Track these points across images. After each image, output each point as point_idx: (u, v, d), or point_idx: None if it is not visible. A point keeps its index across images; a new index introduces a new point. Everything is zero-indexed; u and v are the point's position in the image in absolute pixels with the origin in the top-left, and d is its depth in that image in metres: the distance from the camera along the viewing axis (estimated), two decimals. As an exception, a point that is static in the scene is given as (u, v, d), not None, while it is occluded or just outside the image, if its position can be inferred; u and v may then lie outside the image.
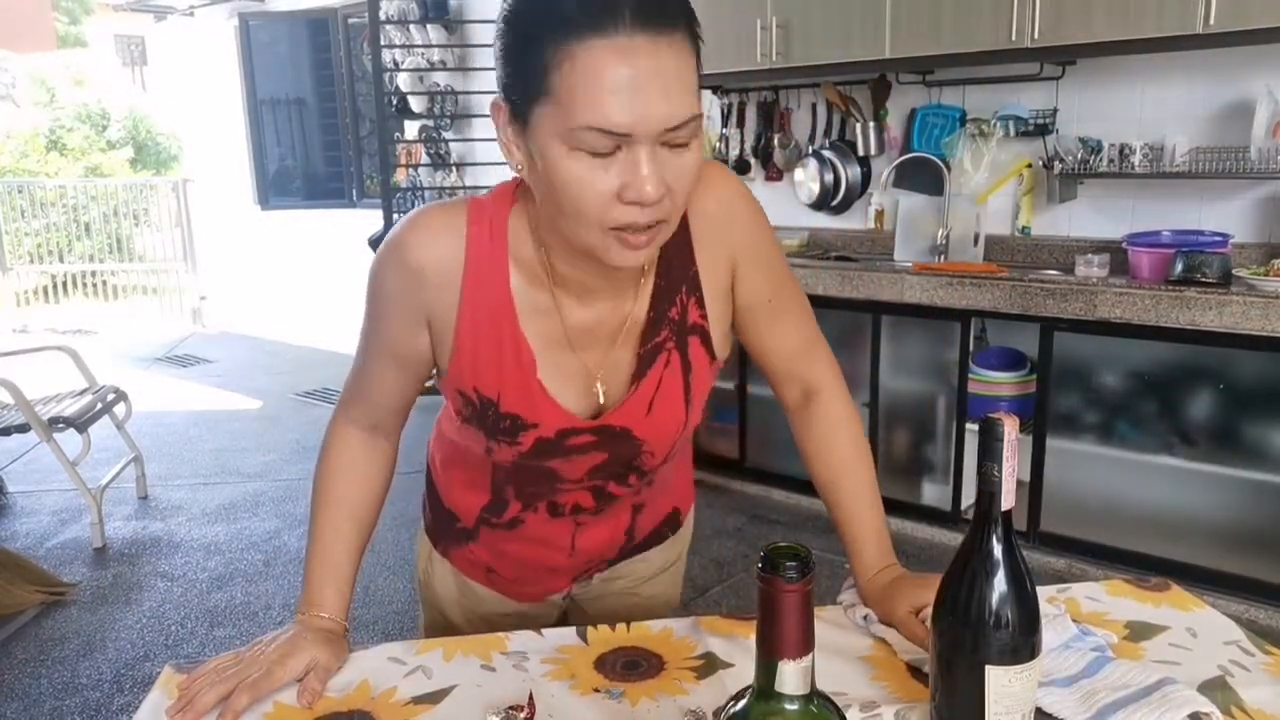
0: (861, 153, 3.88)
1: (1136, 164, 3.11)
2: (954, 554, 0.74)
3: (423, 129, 5.56)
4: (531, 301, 0.92)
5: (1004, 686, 0.70)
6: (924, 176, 3.72)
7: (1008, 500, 0.70)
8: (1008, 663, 0.70)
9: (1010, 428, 0.68)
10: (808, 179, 3.96)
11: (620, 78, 0.71)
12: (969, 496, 3.36)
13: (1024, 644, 0.71)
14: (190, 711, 0.85)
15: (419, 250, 0.90)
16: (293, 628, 0.97)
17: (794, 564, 0.55)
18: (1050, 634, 0.94)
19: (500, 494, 1.08)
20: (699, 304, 0.96)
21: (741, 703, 0.59)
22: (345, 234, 6.35)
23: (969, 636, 0.71)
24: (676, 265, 0.94)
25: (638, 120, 0.73)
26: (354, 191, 6.62)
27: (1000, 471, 0.69)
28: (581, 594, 1.22)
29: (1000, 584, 0.71)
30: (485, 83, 5.12)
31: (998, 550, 0.71)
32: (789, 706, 0.57)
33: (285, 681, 0.89)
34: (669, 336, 0.96)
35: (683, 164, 0.77)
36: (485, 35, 5.05)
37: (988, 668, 0.70)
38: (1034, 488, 3.12)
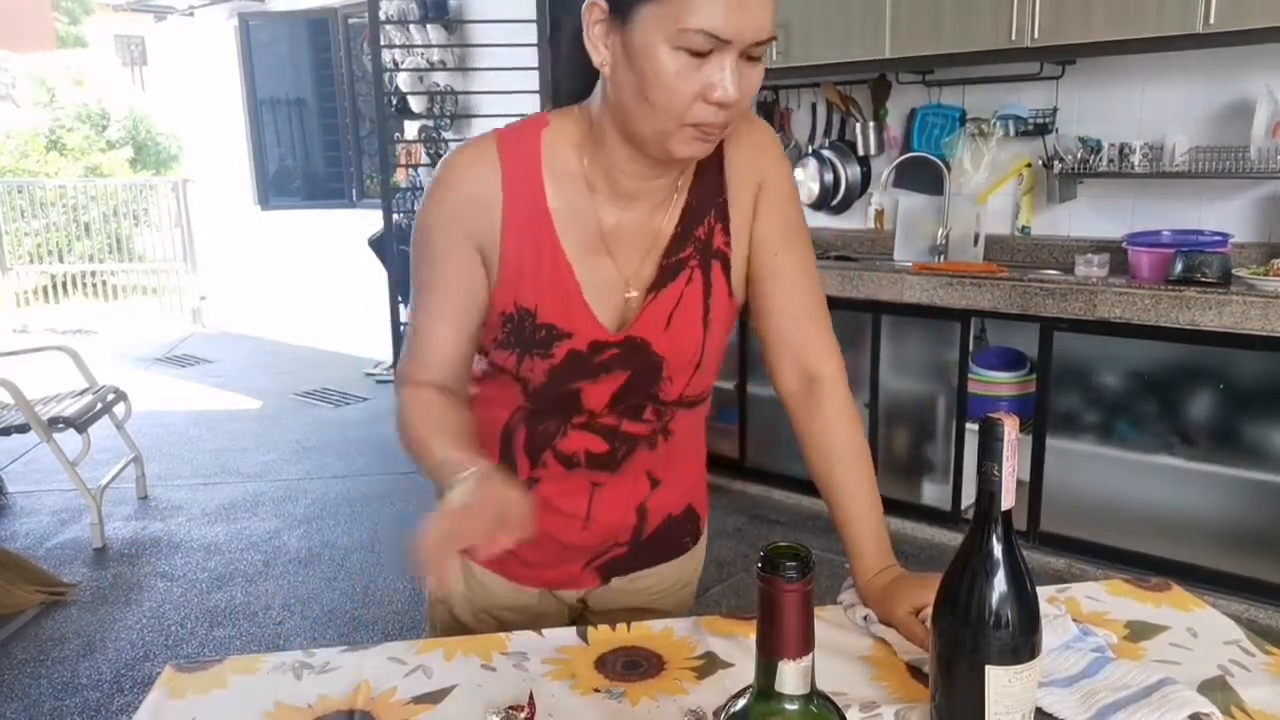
0: (861, 152, 3.88)
1: (1136, 164, 3.11)
2: (954, 554, 0.74)
3: (423, 129, 5.56)
4: (569, 210, 0.97)
5: (1004, 686, 0.70)
6: (924, 176, 3.72)
7: (1008, 500, 0.70)
8: (1008, 663, 0.70)
9: (1010, 427, 0.68)
10: (808, 179, 3.96)
11: None
12: (969, 496, 3.36)
13: (1024, 644, 0.71)
14: (442, 580, 0.78)
15: (457, 184, 0.96)
16: (464, 483, 0.84)
17: (794, 564, 0.55)
18: (1051, 634, 0.94)
19: (509, 448, 1.08)
20: (724, 231, 1.02)
21: (741, 703, 0.59)
22: (345, 234, 6.35)
23: (969, 636, 0.71)
24: (709, 188, 1.01)
25: (741, 29, 0.82)
26: (354, 191, 6.62)
27: (1000, 471, 0.69)
28: (596, 603, 1.20)
29: (1000, 584, 0.71)
30: (485, 83, 5.12)
31: (998, 550, 0.71)
32: (789, 706, 0.57)
33: (522, 506, 0.83)
34: (693, 254, 1.01)
35: (754, 76, 0.87)
36: (485, 35, 5.05)
37: (988, 668, 0.70)
38: (1034, 488, 3.12)
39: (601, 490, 1.09)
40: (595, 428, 1.05)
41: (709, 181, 1.01)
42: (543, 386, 1.03)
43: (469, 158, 0.97)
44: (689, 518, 1.21)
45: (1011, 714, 0.71)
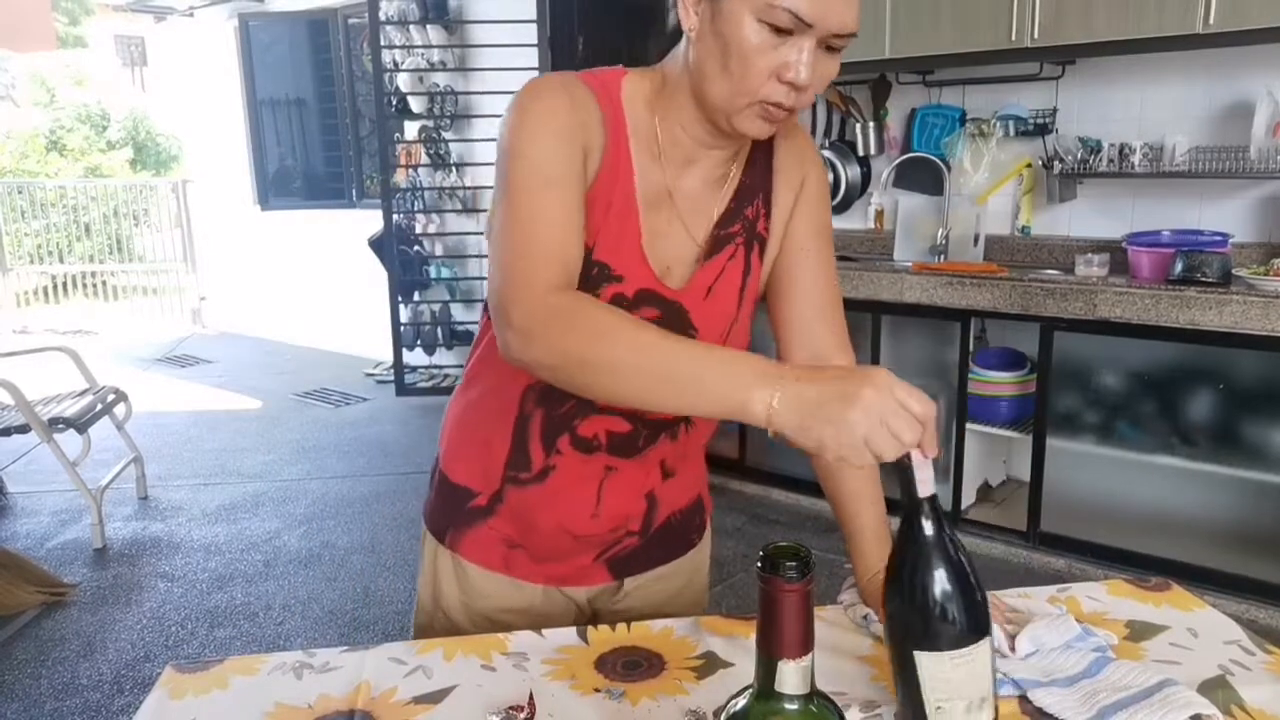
0: (861, 153, 3.88)
1: (1136, 164, 3.11)
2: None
3: (423, 129, 5.56)
4: (642, 161, 0.98)
5: (939, 673, 0.69)
6: (924, 176, 3.72)
7: (924, 487, 0.70)
8: (939, 648, 0.69)
9: None
10: (808, 179, 3.96)
11: None
12: (969, 497, 3.37)
13: (954, 629, 0.69)
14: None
15: (565, 93, 0.92)
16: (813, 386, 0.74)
17: (794, 564, 0.55)
18: (1053, 634, 0.94)
19: (522, 436, 1.05)
20: (767, 216, 1.05)
21: (741, 702, 0.59)
22: (345, 234, 6.34)
23: (898, 625, 0.71)
24: (760, 173, 1.04)
25: (825, 15, 0.85)
26: (354, 191, 6.62)
27: (911, 458, 0.70)
28: (605, 606, 1.17)
29: (925, 571, 0.70)
30: (485, 83, 5.12)
31: (921, 538, 0.71)
32: (789, 706, 0.57)
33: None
34: (740, 231, 1.03)
35: (829, 67, 0.90)
36: (485, 35, 5.05)
37: (916, 654, 0.69)
38: (1034, 487, 3.12)
39: (613, 475, 1.07)
40: (618, 410, 1.02)
41: (760, 167, 1.04)
42: None
43: (560, 78, 0.94)
44: (697, 509, 1.21)
45: (953, 701, 0.69)
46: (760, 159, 1.05)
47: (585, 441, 1.04)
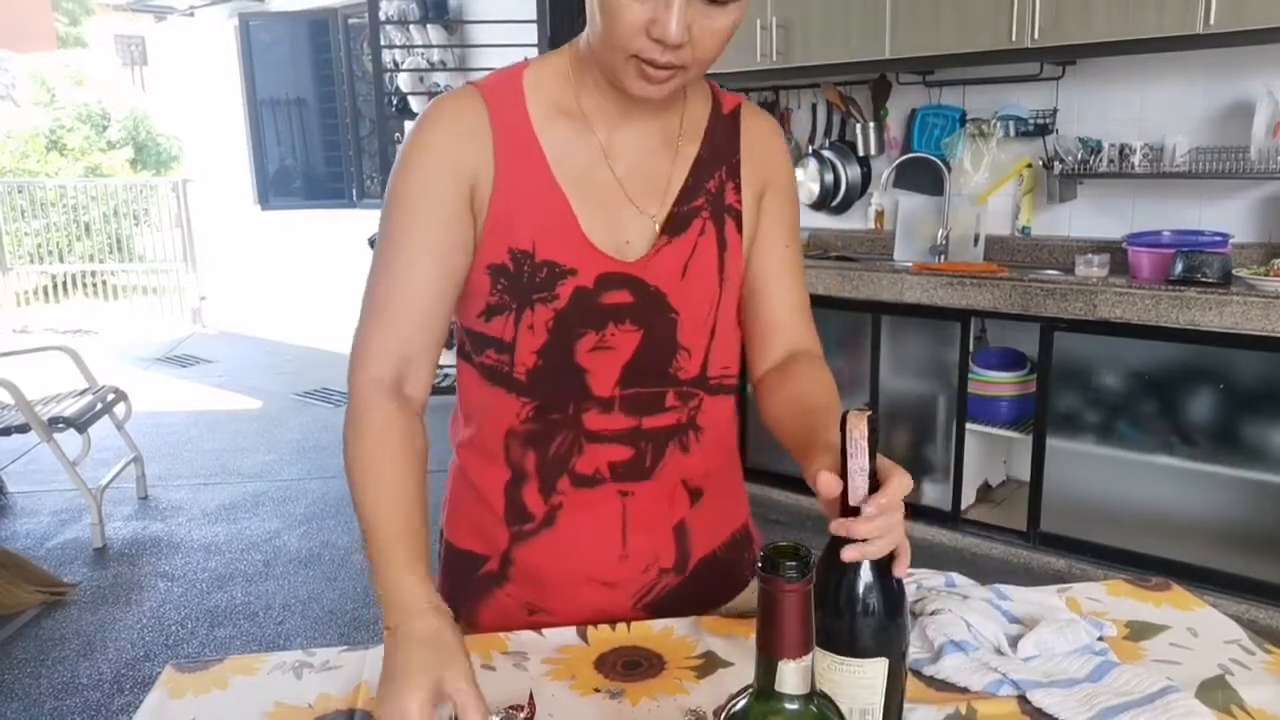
0: (861, 153, 3.88)
1: (1136, 164, 3.11)
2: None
3: (423, 129, 5.56)
4: (563, 142, 0.94)
5: (821, 668, 0.68)
6: (924, 176, 3.72)
7: (854, 496, 0.70)
8: (824, 646, 0.69)
9: (854, 425, 0.68)
10: (808, 179, 3.96)
11: None
12: (969, 497, 3.36)
13: (843, 634, 0.69)
14: None
15: (443, 120, 0.92)
16: (394, 654, 0.76)
17: (794, 564, 0.55)
18: (1060, 640, 0.94)
19: (516, 485, 1.00)
20: (736, 189, 1.00)
21: (741, 702, 0.59)
22: (345, 234, 6.35)
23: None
24: (723, 146, 1.00)
25: None
26: (354, 191, 6.62)
27: (846, 467, 0.70)
28: None
29: (834, 572, 0.70)
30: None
31: (850, 541, 0.71)
32: (789, 706, 0.57)
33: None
34: (705, 205, 0.98)
35: (714, 24, 0.83)
36: (485, 35, 5.05)
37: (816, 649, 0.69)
38: (1034, 488, 3.12)
39: (634, 505, 0.99)
40: (615, 436, 0.97)
41: (721, 139, 1.00)
42: (541, 364, 0.95)
43: (450, 99, 0.94)
44: (742, 543, 1.11)
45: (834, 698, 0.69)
46: (723, 132, 1.00)
47: (587, 479, 0.98)
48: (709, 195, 0.98)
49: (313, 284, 6.91)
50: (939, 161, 3.61)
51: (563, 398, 0.97)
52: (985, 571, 3.02)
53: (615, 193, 0.95)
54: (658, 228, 0.96)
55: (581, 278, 0.93)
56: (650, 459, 0.99)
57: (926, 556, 3.20)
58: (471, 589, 1.05)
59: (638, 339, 0.96)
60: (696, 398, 1.00)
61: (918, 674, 0.91)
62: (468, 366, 1.01)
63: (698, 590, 1.06)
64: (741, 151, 1.01)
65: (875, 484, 0.72)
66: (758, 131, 1.02)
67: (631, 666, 0.94)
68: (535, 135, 0.93)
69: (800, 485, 3.88)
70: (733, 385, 1.05)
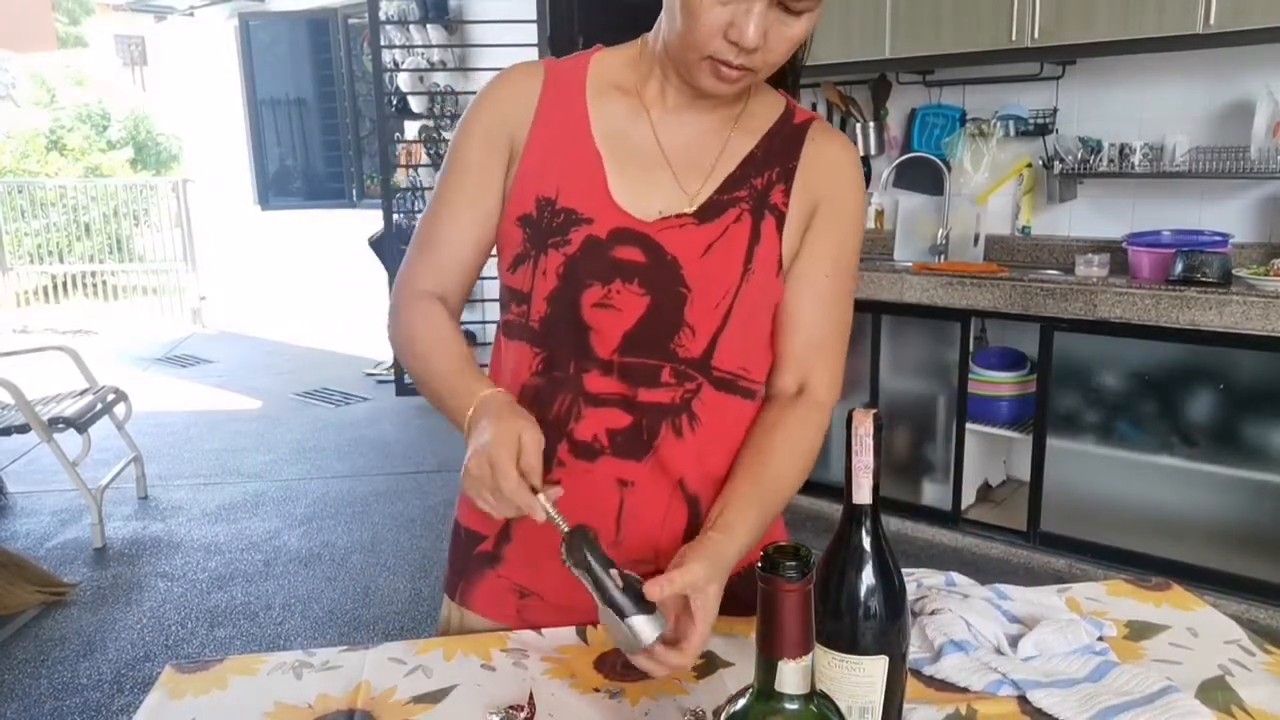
0: (862, 153, 3.88)
1: (1136, 164, 3.11)
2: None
3: (423, 129, 5.56)
4: (610, 112, 1.00)
5: (821, 665, 0.69)
6: (924, 176, 3.72)
7: (858, 494, 0.70)
8: (825, 644, 0.70)
9: (860, 422, 0.69)
10: (808, 179, 3.96)
11: None
12: (969, 497, 3.36)
13: (842, 633, 0.69)
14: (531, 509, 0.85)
15: (499, 84, 1.03)
16: (480, 429, 0.87)
17: (794, 564, 0.55)
18: (1060, 640, 0.94)
19: None
20: (785, 193, 1.00)
21: (741, 702, 0.59)
22: (345, 234, 6.35)
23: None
24: (780, 151, 1.01)
25: None
26: (354, 191, 6.62)
27: (850, 464, 0.70)
28: None
29: (840, 570, 0.71)
30: (485, 83, 5.12)
31: (853, 540, 0.71)
32: (789, 706, 0.57)
33: (523, 467, 0.85)
34: (748, 198, 0.99)
35: (789, 31, 0.88)
36: (485, 35, 5.05)
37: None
38: (1034, 488, 3.12)
39: (632, 495, 0.99)
40: (611, 400, 0.97)
41: (781, 145, 1.01)
42: (551, 311, 0.97)
43: (513, 67, 1.04)
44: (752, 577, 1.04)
45: (835, 696, 0.69)
46: (784, 138, 1.01)
47: (585, 446, 0.98)
48: (754, 190, 0.99)
49: (313, 284, 6.91)
50: (939, 161, 3.61)
51: (566, 354, 0.98)
52: (985, 571, 3.02)
53: (656, 159, 0.99)
54: (691, 207, 0.97)
55: (595, 227, 0.96)
56: (647, 434, 0.98)
57: (926, 556, 3.20)
58: (472, 568, 1.07)
59: (644, 306, 0.96)
60: (695, 381, 0.98)
61: (918, 674, 0.91)
62: (500, 336, 1.06)
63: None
64: (801, 160, 1.00)
65: (878, 483, 0.72)
66: (826, 147, 1.02)
67: (631, 666, 0.94)
68: (585, 102, 1.00)
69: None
70: (750, 390, 1.01)
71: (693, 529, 1.00)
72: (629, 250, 0.95)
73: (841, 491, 0.73)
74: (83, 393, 3.68)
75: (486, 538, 1.06)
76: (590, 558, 0.81)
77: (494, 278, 1.04)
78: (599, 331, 0.96)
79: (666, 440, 0.99)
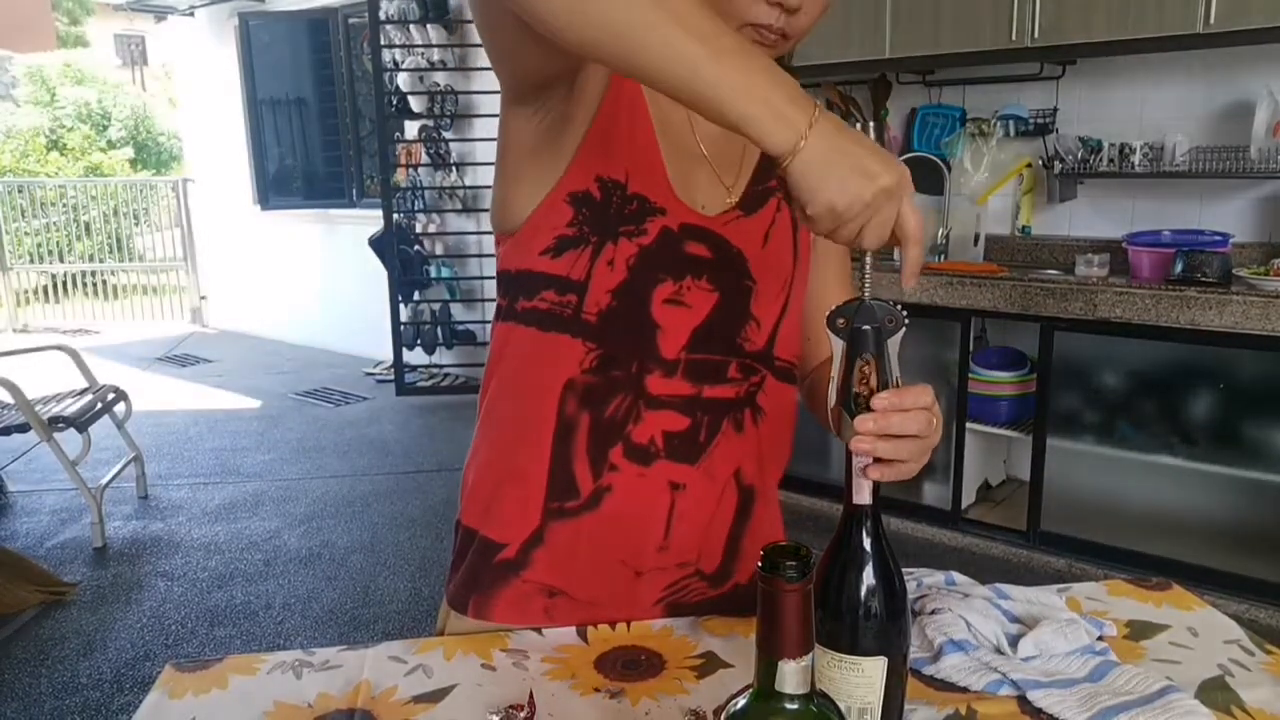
0: (861, 152, 3.88)
1: (1136, 164, 3.11)
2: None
3: (423, 129, 5.56)
4: (658, 102, 0.94)
5: (823, 668, 0.69)
6: (924, 176, 3.71)
7: (858, 495, 0.71)
8: (824, 644, 0.70)
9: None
10: (808, 179, 3.96)
11: None
12: (969, 497, 3.36)
13: (842, 634, 0.70)
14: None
15: None
16: (876, 156, 0.68)
17: (794, 564, 0.55)
18: (1060, 641, 0.94)
19: (565, 453, 0.95)
20: None
21: (741, 702, 0.59)
22: (345, 234, 6.35)
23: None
24: None
25: None
26: (354, 191, 6.62)
27: (850, 465, 0.71)
28: None
29: (838, 570, 0.71)
30: (485, 83, 5.12)
31: (854, 540, 0.71)
32: (789, 706, 0.57)
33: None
34: (777, 187, 0.98)
35: None
36: (485, 35, 5.05)
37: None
38: (1034, 488, 3.12)
39: (683, 497, 0.96)
40: (671, 403, 0.93)
41: None
42: (615, 305, 0.91)
43: None
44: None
45: (838, 701, 0.69)
46: None
47: (641, 450, 0.94)
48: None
49: (313, 284, 6.91)
50: (939, 161, 3.60)
51: (629, 352, 0.93)
52: (985, 571, 3.02)
53: (695, 150, 0.96)
54: (732, 200, 0.97)
55: (669, 219, 0.92)
56: (705, 433, 0.95)
57: (927, 556, 3.20)
58: (488, 579, 1.01)
59: (713, 302, 0.94)
60: (760, 373, 0.98)
61: (918, 674, 0.91)
62: (511, 326, 0.98)
63: (721, 607, 1.03)
64: None
65: (878, 484, 0.72)
66: None
67: (631, 666, 0.94)
68: (641, 85, 0.93)
69: (800, 485, 3.88)
70: (795, 371, 1.03)
71: (743, 517, 1.01)
72: (699, 246, 0.93)
73: (841, 491, 0.73)
74: (83, 392, 3.68)
75: (507, 545, 0.99)
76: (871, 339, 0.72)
77: (492, 277, 1.02)
78: (666, 329, 0.93)
79: (725, 437, 0.97)
